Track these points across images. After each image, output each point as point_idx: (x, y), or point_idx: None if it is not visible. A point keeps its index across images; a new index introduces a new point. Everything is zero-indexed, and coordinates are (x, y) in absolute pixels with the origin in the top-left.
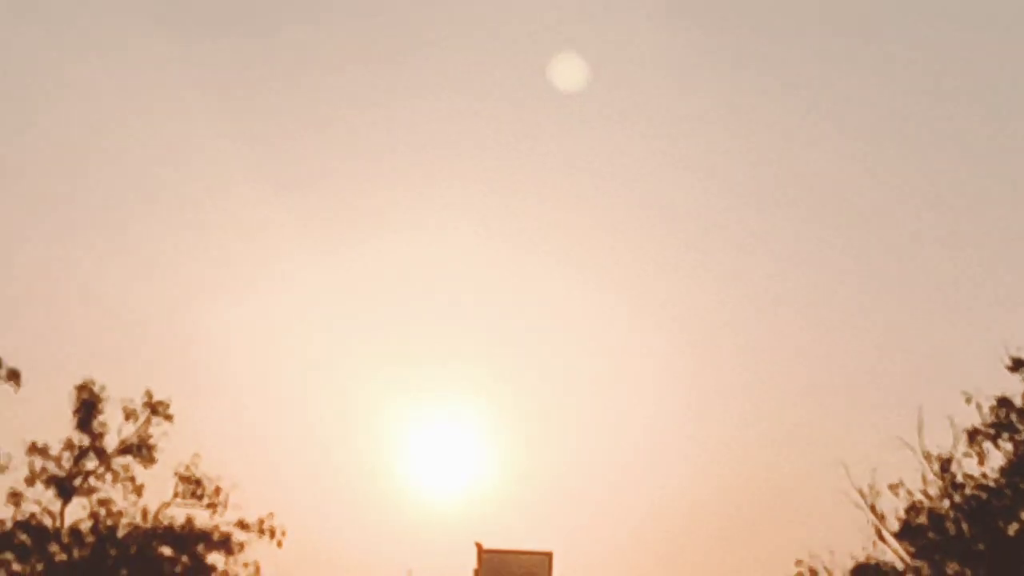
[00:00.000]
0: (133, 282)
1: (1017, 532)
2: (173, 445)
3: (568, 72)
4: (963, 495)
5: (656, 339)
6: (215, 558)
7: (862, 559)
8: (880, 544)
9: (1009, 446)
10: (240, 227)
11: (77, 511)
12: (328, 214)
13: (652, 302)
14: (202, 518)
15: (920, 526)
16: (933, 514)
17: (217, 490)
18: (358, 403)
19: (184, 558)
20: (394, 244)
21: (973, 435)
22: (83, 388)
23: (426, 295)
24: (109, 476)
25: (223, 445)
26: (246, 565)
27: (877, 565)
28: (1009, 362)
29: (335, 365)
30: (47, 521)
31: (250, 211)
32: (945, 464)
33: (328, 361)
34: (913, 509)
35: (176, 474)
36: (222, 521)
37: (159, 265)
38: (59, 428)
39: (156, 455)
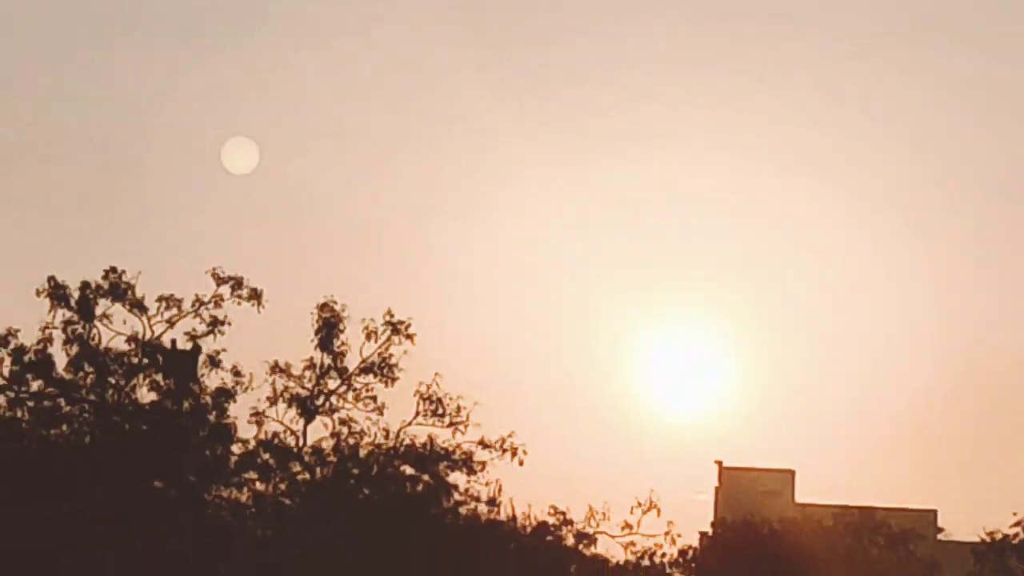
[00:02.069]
0: (376, 200)
1: None
2: (414, 364)
3: None
4: None
5: (896, 252)
6: (456, 477)
7: None
8: None
9: None
10: (479, 140)
11: (319, 430)
12: (568, 126)
13: (892, 216)
14: (443, 437)
15: None
16: None
17: (458, 409)
18: (599, 320)
19: (425, 477)
20: (636, 160)
21: None
22: (324, 307)
23: (667, 212)
24: (351, 395)
25: (464, 363)
26: (487, 484)
27: None
28: None
29: (575, 282)
30: (290, 440)
31: (489, 123)
32: None
33: (568, 278)
34: None
35: (417, 393)
36: (463, 440)
37: (401, 181)
38: (301, 348)
39: (397, 374)
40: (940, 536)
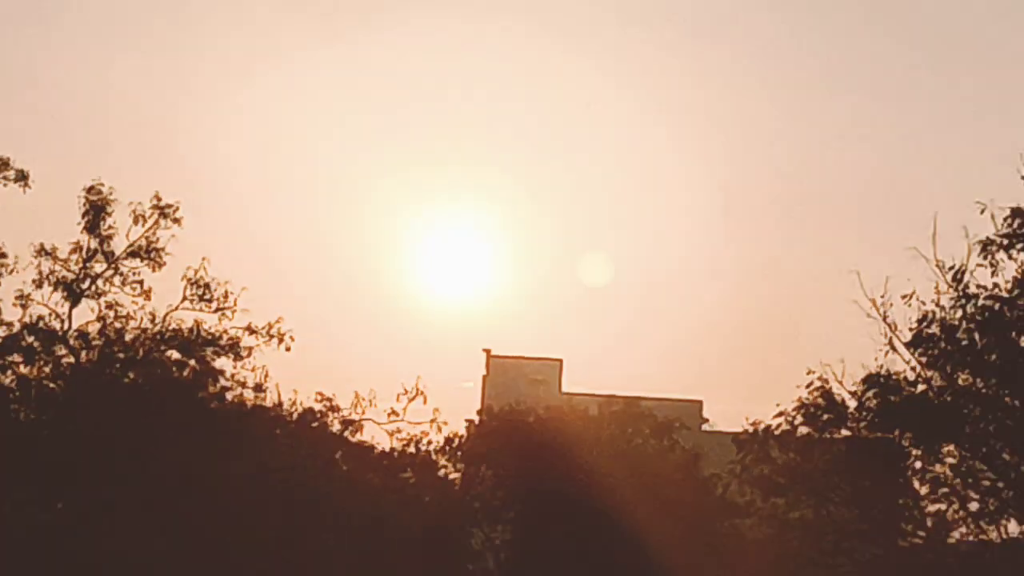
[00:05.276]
0: (141, 84)
1: None
2: (182, 249)
3: None
4: (976, 306)
5: (687, 151)
6: (223, 362)
7: (873, 369)
8: (892, 354)
9: (1023, 257)
10: (241, 20)
11: (85, 314)
12: (333, 5)
13: (685, 115)
14: (210, 322)
15: (932, 336)
16: (945, 324)
17: (226, 294)
18: (367, 204)
19: (192, 362)
20: (409, 37)
21: (987, 245)
22: (92, 190)
23: (440, 93)
24: (117, 279)
25: (232, 249)
26: (254, 370)
27: (888, 374)
28: None
29: (344, 167)
30: (55, 324)
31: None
32: (958, 275)
33: (337, 163)
34: (925, 320)
35: (184, 278)
36: (230, 326)
37: (165, 61)
38: (67, 231)
39: (164, 259)
40: (705, 427)
